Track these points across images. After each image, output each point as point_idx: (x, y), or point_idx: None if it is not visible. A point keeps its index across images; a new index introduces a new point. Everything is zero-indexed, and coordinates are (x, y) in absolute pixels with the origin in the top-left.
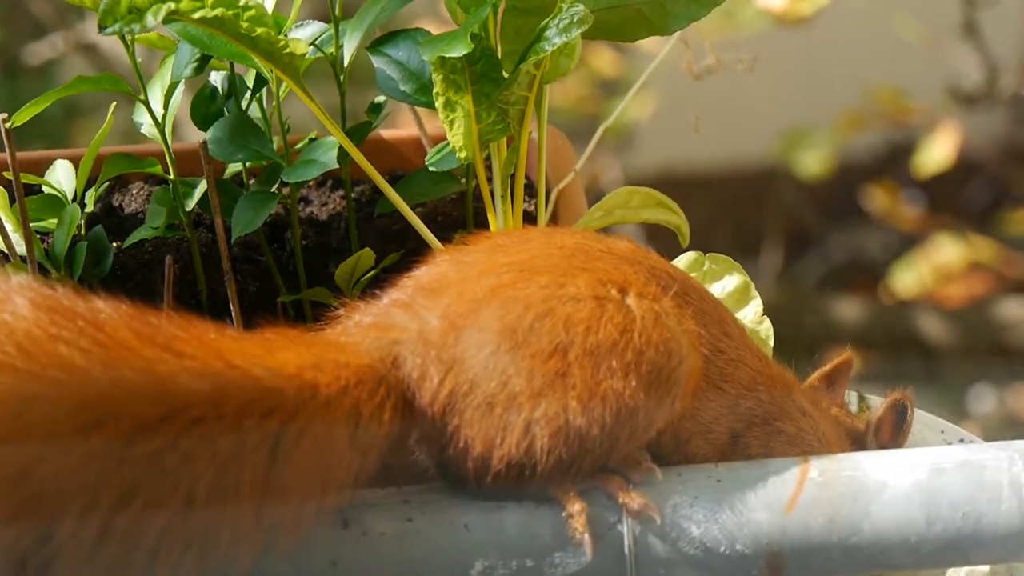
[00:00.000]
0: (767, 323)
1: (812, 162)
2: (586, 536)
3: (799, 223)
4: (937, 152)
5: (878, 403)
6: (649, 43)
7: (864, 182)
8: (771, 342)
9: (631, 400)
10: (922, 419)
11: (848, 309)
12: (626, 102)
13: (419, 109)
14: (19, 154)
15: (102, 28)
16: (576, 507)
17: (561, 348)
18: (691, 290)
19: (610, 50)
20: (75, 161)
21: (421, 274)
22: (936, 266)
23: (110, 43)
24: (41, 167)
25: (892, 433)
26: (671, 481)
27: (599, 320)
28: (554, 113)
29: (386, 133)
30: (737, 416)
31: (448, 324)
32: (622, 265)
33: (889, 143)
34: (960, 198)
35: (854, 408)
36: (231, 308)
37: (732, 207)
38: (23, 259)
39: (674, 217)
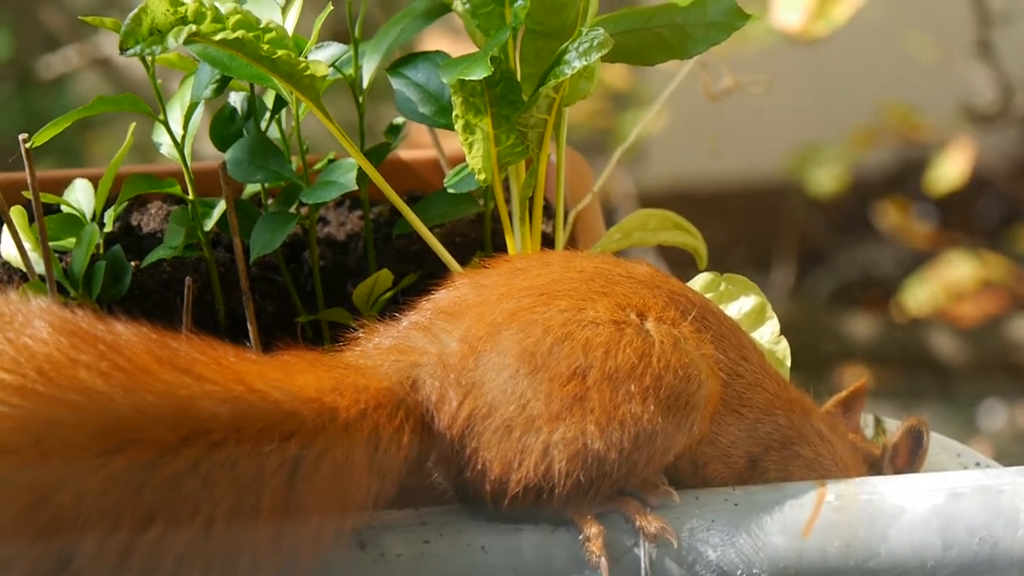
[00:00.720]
0: (784, 343)
1: (824, 179)
2: (603, 560)
3: (811, 239)
4: (950, 169)
5: (895, 426)
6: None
7: (876, 199)
8: (788, 362)
9: (649, 424)
10: (939, 442)
11: (860, 326)
12: (643, 124)
13: (437, 130)
14: (38, 173)
15: (123, 50)
16: (593, 530)
17: (580, 372)
18: (709, 314)
19: (622, 64)
20: (94, 180)
21: (440, 297)
22: (948, 284)
23: (124, 58)
24: (60, 186)
25: (908, 459)
26: (688, 504)
27: (618, 344)
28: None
29: (404, 154)
30: (755, 440)
31: (467, 347)
32: (641, 290)
33: (901, 160)
34: (973, 215)
35: (871, 431)
36: (249, 328)
37: (744, 223)
38: (42, 278)
39: (691, 239)
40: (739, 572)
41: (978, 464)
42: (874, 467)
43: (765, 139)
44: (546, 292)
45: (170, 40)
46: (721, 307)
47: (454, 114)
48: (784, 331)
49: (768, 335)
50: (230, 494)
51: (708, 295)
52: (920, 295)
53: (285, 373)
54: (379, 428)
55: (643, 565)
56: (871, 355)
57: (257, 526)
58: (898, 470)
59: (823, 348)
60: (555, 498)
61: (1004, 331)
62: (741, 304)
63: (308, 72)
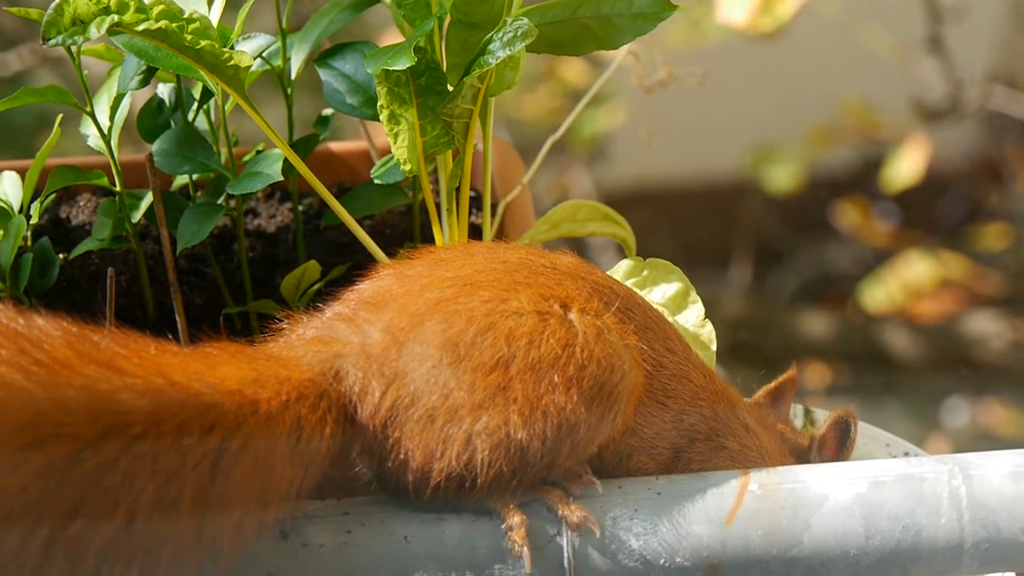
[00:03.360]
0: (709, 327)
1: (782, 177)
2: (525, 549)
3: (770, 238)
4: (906, 166)
5: (824, 417)
6: (620, 55)
7: (835, 197)
8: (713, 346)
9: (573, 415)
10: (867, 432)
11: (818, 324)
12: (572, 117)
13: (368, 122)
14: None
15: (45, 40)
16: (515, 520)
17: (503, 362)
18: (634, 306)
19: (581, 61)
20: (22, 172)
21: (364, 288)
22: (907, 282)
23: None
24: None
25: (836, 449)
26: (611, 493)
27: (541, 335)
28: (523, 124)
29: (335, 145)
30: (680, 432)
31: (390, 338)
32: (565, 280)
33: (860, 158)
34: (932, 214)
35: (800, 422)
36: (177, 320)
37: (703, 221)
38: None
39: (620, 230)
40: (662, 561)
41: (907, 454)
42: (802, 458)
43: (725, 136)
44: (470, 283)
45: (92, 30)
46: (645, 292)
47: (379, 104)
48: (742, 329)
49: (694, 319)
50: (151, 487)
51: (631, 280)
52: (879, 293)
53: (207, 365)
54: (301, 419)
55: (566, 554)
56: (829, 353)
57: (179, 519)
58: (825, 461)
59: (781, 346)
60: (478, 488)
61: (962, 329)
62: (664, 289)
63: (232, 63)
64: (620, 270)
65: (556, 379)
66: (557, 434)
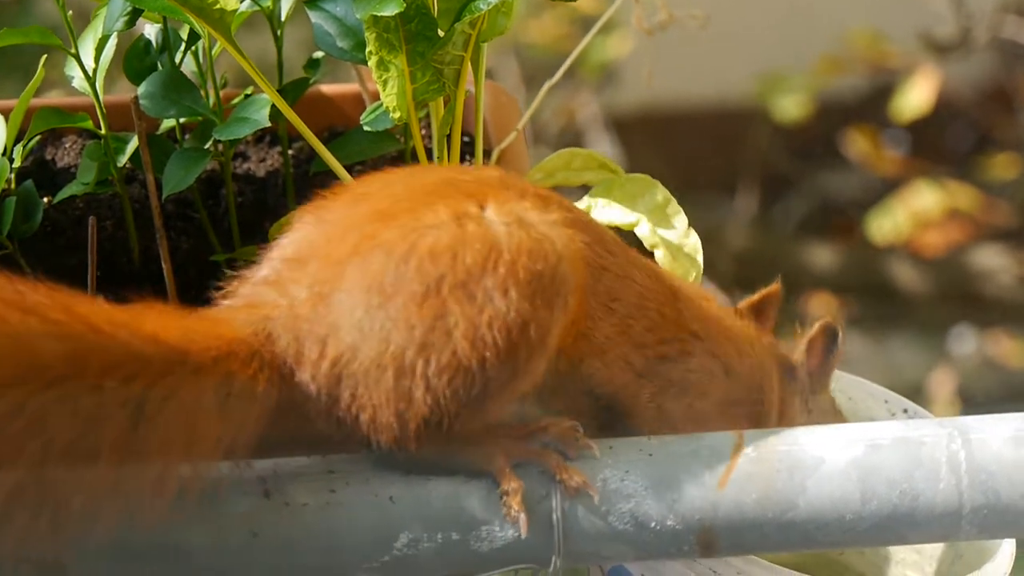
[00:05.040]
0: (694, 237)
1: (790, 105)
2: (522, 515)
3: (777, 167)
4: (915, 97)
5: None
6: None
7: (843, 126)
8: (699, 257)
9: (518, 316)
10: (866, 388)
11: (824, 254)
12: (572, 58)
13: (360, 65)
14: None
15: None
16: (513, 485)
17: (433, 286)
18: (566, 206)
19: None
20: (6, 114)
21: (285, 244)
22: (914, 212)
23: None
24: None
25: (822, 357)
26: (602, 454)
27: (462, 242)
28: (530, 50)
29: (326, 88)
30: (630, 338)
31: (316, 294)
32: (485, 187)
33: (868, 86)
34: (941, 143)
35: None
36: (163, 266)
37: (710, 149)
38: None
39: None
40: (653, 523)
41: (906, 411)
42: (788, 369)
43: (732, 64)
44: (387, 213)
45: None
46: (628, 207)
47: (368, 51)
48: (748, 259)
49: (680, 229)
50: (66, 432)
51: (613, 198)
52: (886, 224)
53: (134, 318)
54: (231, 375)
55: (555, 516)
56: (835, 283)
57: (96, 466)
58: (811, 369)
59: (786, 277)
60: (456, 422)
61: (968, 261)
62: (646, 202)
63: (218, 7)
64: (599, 192)
65: (489, 285)
66: (508, 341)
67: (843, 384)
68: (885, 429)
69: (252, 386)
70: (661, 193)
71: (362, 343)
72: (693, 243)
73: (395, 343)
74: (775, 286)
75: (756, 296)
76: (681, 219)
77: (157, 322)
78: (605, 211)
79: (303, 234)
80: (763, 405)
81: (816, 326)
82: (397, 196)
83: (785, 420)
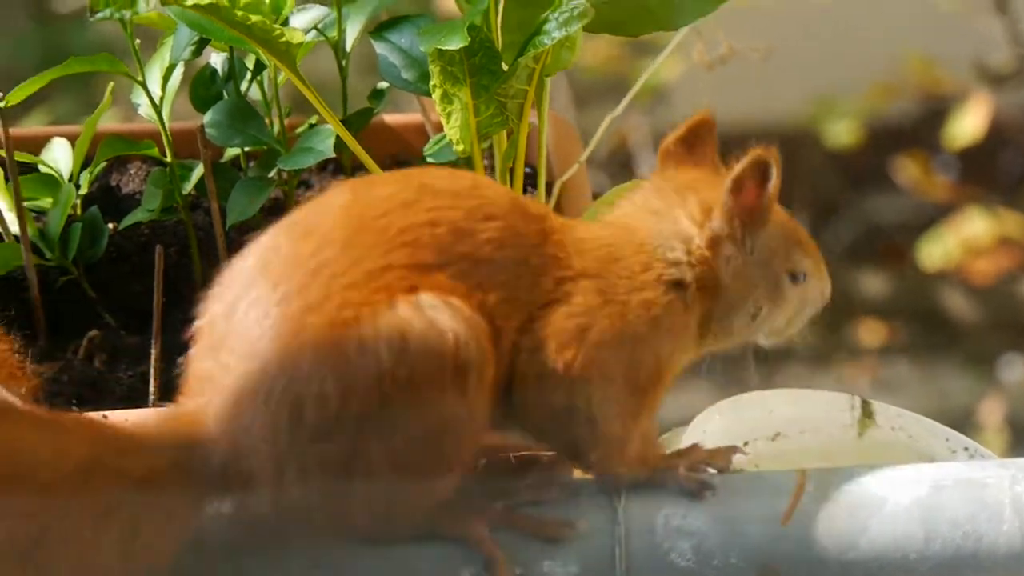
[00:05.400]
0: None
1: (842, 130)
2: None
3: (827, 191)
4: (968, 123)
5: (883, 410)
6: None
7: (894, 152)
8: None
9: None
10: (926, 426)
11: (874, 280)
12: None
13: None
14: (15, 131)
15: (93, 12)
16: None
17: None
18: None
19: None
20: (72, 139)
21: (202, 323)
22: (964, 239)
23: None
24: (38, 145)
25: (757, 192)
26: (663, 490)
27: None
28: (581, 72)
29: (389, 118)
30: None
31: (233, 398)
32: (407, 248)
33: (921, 113)
34: (993, 170)
35: (858, 413)
36: None
37: None
38: (16, 239)
39: None
40: (715, 560)
41: (966, 449)
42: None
43: (784, 89)
44: (294, 282)
45: (140, 4)
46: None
47: (432, 83)
48: None
49: None
50: None
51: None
52: (936, 251)
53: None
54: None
55: (617, 551)
56: (885, 310)
57: None
58: (746, 205)
59: (835, 301)
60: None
61: (1020, 288)
62: None
63: (284, 39)
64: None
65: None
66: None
67: (904, 421)
68: (948, 470)
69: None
70: None
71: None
72: None
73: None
74: (704, 113)
75: (681, 129)
76: None
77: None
78: None
79: (216, 310)
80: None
81: (744, 162)
82: (312, 248)
83: (732, 282)
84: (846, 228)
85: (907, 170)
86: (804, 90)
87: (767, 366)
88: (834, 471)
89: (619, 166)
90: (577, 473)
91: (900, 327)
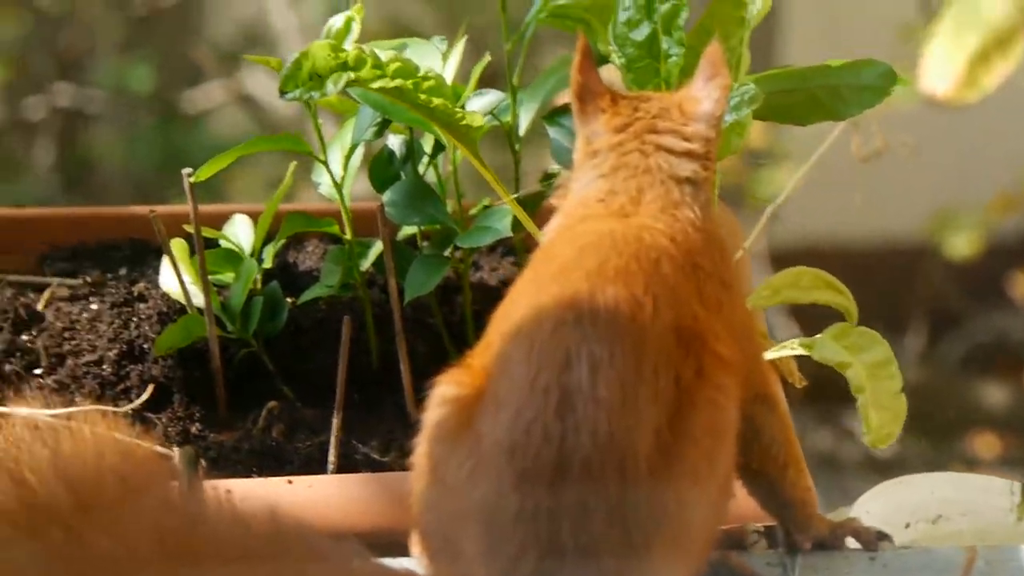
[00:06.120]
0: (902, 401)
1: (961, 243)
2: None
3: (945, 304)
4: None
5: None
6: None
7: (1012, 266)
8: (902, 420)
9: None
10: None
11: (991, 393)
12: (796, 180)
13: None
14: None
15: (283, 93)
16: None
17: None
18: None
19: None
20: (252, 216)
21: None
22: None
23: (267, 93)
24: (217, 220)
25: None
26: (834, 560)
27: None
28: None
29: (558, 202)
30: None
31: None
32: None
33: None
34: None
35: (1016, 498)
36: (401, 368)
37: (877, 285)
38: (200, 312)
39: (842, 299)
40: None
41: None
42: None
43: (898, 200)
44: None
45: (329, 86)
46: (851, 357)
47: None
48: (914, 395)
49: (891, 392)
50: None
51: (838, 344)
52: None
53: None
54: None
55: None
56: (1002, 423)
57: None
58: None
59: (953, 413)
60: None
61: None
62: (867, 357)
63: (465, 122)
64: (830, 333)
65: None
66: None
67: None
68: None
69: None
70: (885, 352)
71: None
72: (900, 407)
73: None
74: (715, 45)
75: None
76: (896, 382)
77: None
78: (822, 351)
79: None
80: None
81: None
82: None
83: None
84: (963, 340)
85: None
86: (920, 202)
87: (881, 473)
88: (1003, 548)
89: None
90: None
91: (1017, 440)
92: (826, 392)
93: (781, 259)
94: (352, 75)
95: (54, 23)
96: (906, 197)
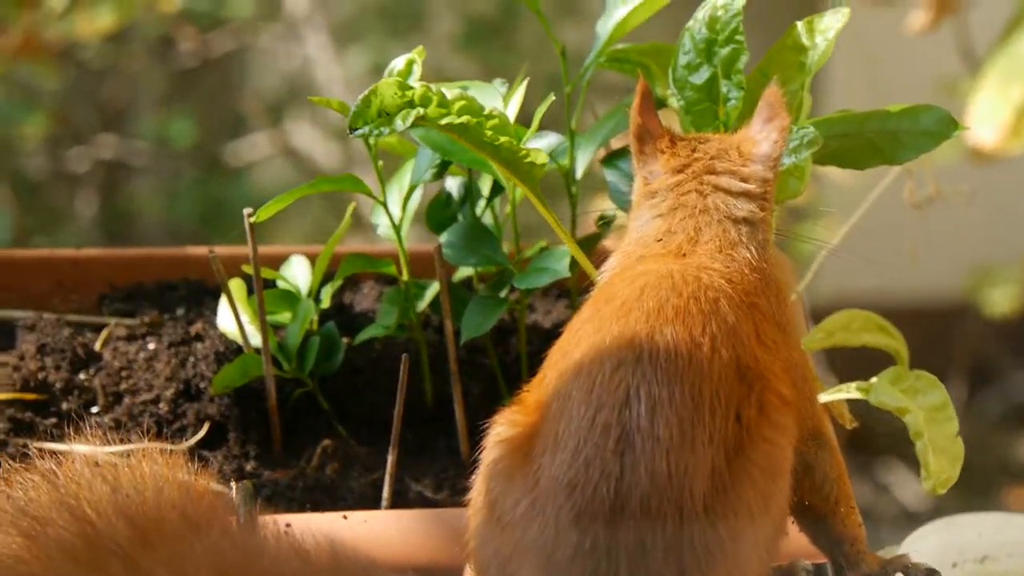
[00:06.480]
0: (959, 445)
1: (1000, 298)
2: None
3: (984, 359)
4: None
5: None
6: (835, 171)
7: None
8: (959, 464)
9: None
10: None
11: None
12: (849, 225)
13: None
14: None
15: (352, 130)
16: None
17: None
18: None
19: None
20: (309, 257)
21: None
22: None
23: (310, 145)
24: (274, 262)
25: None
26: None
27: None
28: None
29: (612, 244)
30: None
31: None
32: None
33: None
34: None
35: None
36: (456, 409)
37: (914, 340)
38: (257, 351)
39: (893, 342)
40: None
41: None
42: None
43: (939, 255)
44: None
45: (397, 122)
46: (909, 401)
47: None
48: None
49: (946, 434)
50: None
51: (895, 388)
52: None
53: None
54: None
55: None
56: None
57: None
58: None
59: (992, 467)
60: None
61: None
62: (924, 400)
63: (528, 160)
64: (886, 376)
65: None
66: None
67: None
68: None
69: None
70: (942, 396)
71: None
72: (957, 449)
73: None
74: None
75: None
76: (953, 425)
77: None
78: (879, 395)
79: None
80: None
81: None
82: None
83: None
84: (1001, 396)
85: None
86: (958, 258)
87: (916, 527)
88: None
89: None
90: None
91: None
92: (854, 443)
93: (818, 314)
94: (420, 111)
95: (97, 76)
96: (944, 252)
